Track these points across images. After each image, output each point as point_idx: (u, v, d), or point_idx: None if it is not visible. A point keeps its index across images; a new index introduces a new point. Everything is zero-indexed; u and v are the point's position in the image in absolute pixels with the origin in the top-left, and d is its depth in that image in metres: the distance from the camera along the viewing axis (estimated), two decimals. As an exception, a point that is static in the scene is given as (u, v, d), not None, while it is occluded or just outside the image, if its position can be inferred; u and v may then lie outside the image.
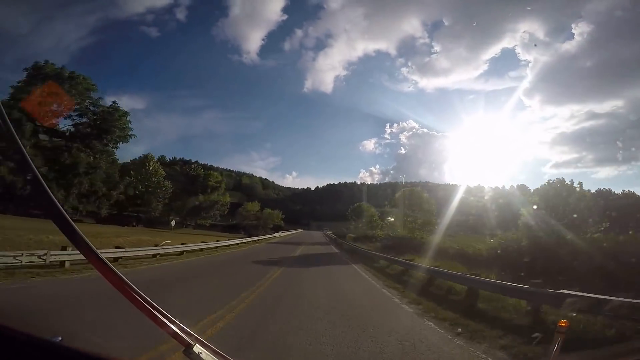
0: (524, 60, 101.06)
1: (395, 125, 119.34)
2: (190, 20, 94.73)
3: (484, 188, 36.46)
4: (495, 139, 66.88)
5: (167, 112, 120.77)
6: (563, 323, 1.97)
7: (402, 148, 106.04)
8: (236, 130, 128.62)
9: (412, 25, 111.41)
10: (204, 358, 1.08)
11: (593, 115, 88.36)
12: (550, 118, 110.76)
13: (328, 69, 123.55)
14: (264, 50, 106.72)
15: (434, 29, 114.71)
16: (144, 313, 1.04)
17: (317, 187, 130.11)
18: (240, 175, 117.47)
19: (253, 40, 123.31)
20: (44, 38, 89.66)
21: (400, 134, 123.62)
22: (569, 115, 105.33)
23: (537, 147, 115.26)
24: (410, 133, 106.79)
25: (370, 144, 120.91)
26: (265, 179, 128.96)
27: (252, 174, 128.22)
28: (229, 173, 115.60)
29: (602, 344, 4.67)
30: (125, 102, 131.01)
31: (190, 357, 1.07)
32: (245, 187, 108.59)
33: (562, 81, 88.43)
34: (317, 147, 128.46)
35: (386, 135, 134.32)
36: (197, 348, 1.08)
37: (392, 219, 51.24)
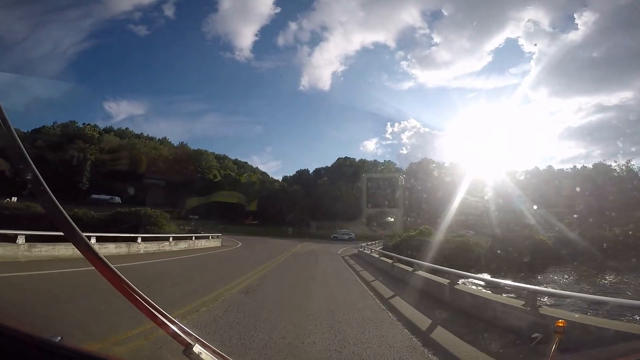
0: (529, 53, 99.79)
1: (396, 124, 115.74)
2: (179, 18, 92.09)
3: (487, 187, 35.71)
4: (499, 137, 65.99)
5: (167, 117, 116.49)
6: (561, 323, 1.97)
7: (403, 148, 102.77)
8: (237, 134, 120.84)
9: (411, 15, 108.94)
10: (203, 358, 1.09)
11: (601, 108, 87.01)
12: (557, 112, 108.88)
13: (325, 65, 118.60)
14: (257, 47, 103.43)
15: (433, 19, 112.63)
16: (143, 313, 1.04)
17: (317, 168, 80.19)
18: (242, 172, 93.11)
19: (246, 36, 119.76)
20: (41, 44, 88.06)
21: (401, 134, 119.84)
22: (576, 108, 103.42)
23: (543, 143, 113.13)
24: (412, 132, 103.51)
25: (371, 145, 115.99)
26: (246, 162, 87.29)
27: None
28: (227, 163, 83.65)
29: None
30: (125, 108, 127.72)
31: (190, 357, 1.07)
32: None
33: (568, 73, 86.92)
34: (317, 150, 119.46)
35: (387, 135, 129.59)
36: (197, 348, 1.09)
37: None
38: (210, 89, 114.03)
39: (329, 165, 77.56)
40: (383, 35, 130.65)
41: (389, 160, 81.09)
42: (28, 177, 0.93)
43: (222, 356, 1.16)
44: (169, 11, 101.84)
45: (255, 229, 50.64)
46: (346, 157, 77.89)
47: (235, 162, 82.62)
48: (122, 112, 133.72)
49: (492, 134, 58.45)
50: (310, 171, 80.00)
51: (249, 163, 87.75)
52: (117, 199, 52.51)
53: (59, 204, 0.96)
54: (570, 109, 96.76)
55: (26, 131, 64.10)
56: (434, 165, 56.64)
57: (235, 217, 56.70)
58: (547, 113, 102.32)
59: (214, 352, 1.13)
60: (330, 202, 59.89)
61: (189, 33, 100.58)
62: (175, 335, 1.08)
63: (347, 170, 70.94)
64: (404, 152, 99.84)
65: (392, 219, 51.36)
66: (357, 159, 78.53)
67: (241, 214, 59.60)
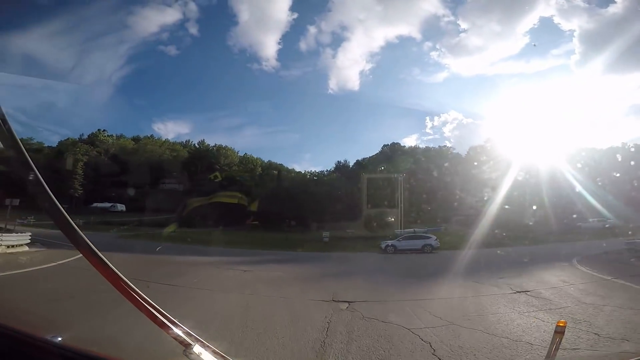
0: (569, 31, 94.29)
1: (436, 118, 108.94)
2: (203, 34, 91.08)
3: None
4: (549, 123, 59.86)
5: (211, 134, 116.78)
6: (561, 323, 1.98)
7: (447, 142, 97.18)
8: (276, 144, 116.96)
9: (430, 3, 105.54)
10: (203, 358, 1.09)
11: (667, 80, 78.38)
12: (616, 89, 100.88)
13: (351, 65, 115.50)
14: (282, 55, 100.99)
15: (456, 4, 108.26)
16: (144, 313, 1.04)
17: (358, 160, 62.63)
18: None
19: (269, 46, 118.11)
20: (88, 71, 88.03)
21: (442, 127, 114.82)
22: (637, 85, 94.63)
23: (603, 123, 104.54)
24: (454, 125, 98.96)
25: (411, 141, 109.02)
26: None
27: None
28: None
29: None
30: (172, 128, 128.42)
31: (190, 357, 1.07)
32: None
33: (619, 48, 78.24)
34: (355, 152, 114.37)
35: (428, 130, 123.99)
36: (197, 348, 1.09)
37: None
38: (245, 102, 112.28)
39: (372, 155, 63.61)
40: (406, 28, 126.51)
41: (444, 145, 69.35)
42: (30, 178, 0.94)
43: (222, 356, 1.16)
44: (192, 28, 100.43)
45: (248, 234, 37.90)
46: (393, 143, 63.82)
47: (269, 163, 71.02)
48: (170, 132, 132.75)
49: (544, 119, 52.54)
50: (351, 164, 66.42)
51: (284, 165, 76.72)
52: (120, 207, 47.49)
53: (60, 206, 0.96)
54: (631, 85, 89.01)
55: (54, 145, 59.88)
56: (498, 147, 46.49)
57: (237, 219, 49.70)
58: (603, 92, 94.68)
59: (214, 352, 1.14)
60: (375, 194, 46.01)
61: (215, 48, 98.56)
62: (175, 335, 1.08)
63: (396, 156, 57.06)
64: (448, 145, 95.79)
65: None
66: (405, 146, 65.73)
67: (243, 216, 53.33)
